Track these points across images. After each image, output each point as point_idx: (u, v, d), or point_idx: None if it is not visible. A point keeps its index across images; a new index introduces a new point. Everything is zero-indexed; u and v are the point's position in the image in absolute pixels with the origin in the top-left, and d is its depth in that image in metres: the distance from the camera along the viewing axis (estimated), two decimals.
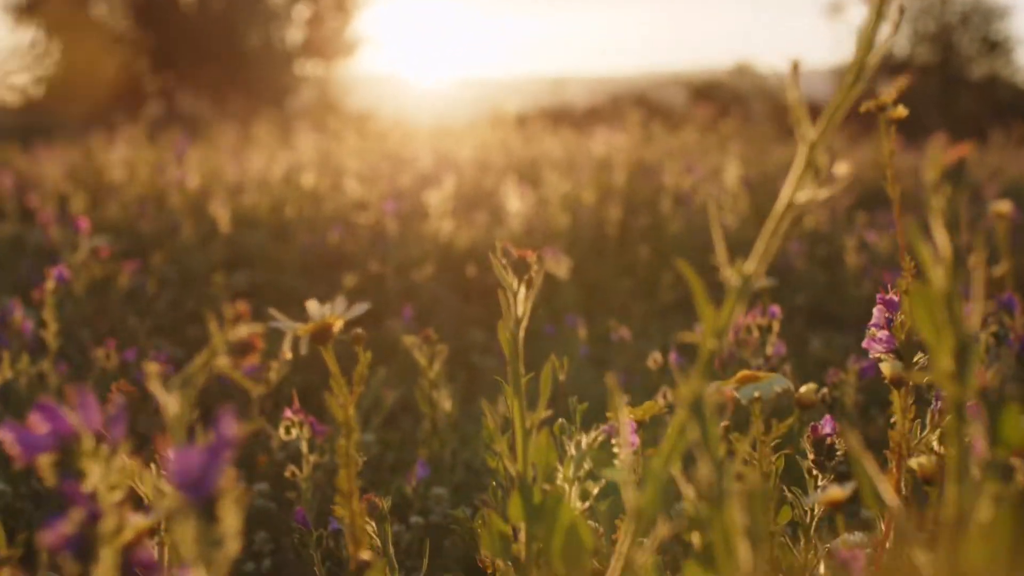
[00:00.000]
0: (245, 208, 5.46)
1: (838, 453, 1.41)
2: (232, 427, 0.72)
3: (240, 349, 1.00)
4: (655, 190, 6.33)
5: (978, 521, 0.74)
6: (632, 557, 1.00)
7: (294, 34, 22.77)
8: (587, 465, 1.23)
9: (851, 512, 1.84)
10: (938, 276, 0.79)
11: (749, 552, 0.83)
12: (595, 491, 1.22)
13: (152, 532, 1.03)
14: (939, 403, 1.29)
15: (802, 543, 1.32)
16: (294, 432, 1.81)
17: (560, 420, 1.30)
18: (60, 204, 5.55)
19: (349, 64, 23.16)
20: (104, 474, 0.76)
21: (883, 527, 1.22)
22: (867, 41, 0.85)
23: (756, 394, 1.23)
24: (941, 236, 0.80)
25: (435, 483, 2.04)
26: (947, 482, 0.77)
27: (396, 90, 24.58)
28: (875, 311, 1.42)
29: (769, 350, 2.30)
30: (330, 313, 1.17)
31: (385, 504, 1.32)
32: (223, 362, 0.97)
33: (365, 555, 1.15)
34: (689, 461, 0.88)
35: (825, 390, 2.15)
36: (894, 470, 1.30)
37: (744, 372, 1.29)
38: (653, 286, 4.40)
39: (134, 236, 4.77)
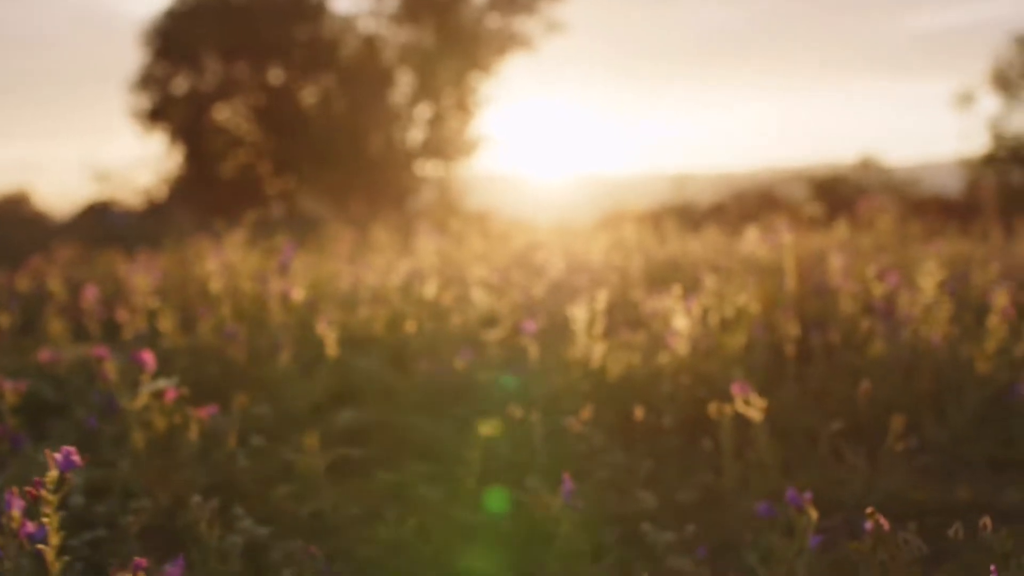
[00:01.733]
0: (357, 324, 4.69)
1: None
2: None
3: None
4: (824, 297, 5.40)
5: None
6: None
7: (415, 135, 22.48)
8: None
9: None
10: None
11: None
12: None
13: None
14: None
15: None
16: None
17: None
18: (149, 320, 4.86)
19: (469, 164, 22.77)
20: None
21: None
22: None
23: None
24: None
25: None
26: None
27: (515, 188, 24.06)
28: None
29: None
30: None
31: None
32: None
33: None
34: None
35: None
36: None
37: None
38: (864, 427, 3.46)
39: (224, 363, 4.02)
